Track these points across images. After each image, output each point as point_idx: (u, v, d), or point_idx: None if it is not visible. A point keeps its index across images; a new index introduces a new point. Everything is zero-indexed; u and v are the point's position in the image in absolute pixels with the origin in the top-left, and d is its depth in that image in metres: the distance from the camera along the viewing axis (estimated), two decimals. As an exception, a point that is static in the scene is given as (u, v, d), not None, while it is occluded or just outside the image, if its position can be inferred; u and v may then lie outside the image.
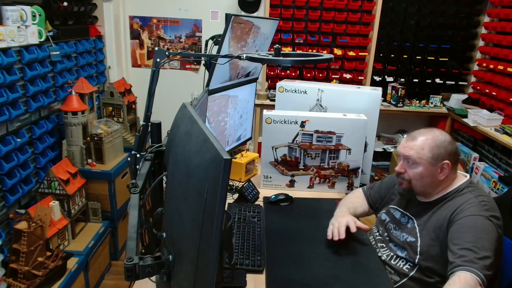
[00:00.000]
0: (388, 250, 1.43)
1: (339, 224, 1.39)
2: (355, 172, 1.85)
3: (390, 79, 3.60)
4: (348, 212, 1.50)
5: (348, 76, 3.50)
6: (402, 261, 1.37)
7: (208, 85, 1.62)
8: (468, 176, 1.40)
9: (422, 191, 1.37)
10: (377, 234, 1.52)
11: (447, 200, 1.34)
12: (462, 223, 1.22)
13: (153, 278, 1.05)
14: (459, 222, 1.23)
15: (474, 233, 1.17)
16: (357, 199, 1.65)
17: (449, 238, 1.23)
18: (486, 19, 3.45)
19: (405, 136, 1.42)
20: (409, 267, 1.34)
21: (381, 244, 1.47)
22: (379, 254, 1.43)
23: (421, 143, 1.32)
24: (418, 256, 1.32)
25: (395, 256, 1.40)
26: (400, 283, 1.34)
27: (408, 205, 1.45)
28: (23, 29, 2.03)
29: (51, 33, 2.29)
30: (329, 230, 1.41)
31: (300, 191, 1.87)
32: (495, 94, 3.11)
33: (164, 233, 0.88)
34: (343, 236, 1.36)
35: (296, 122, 1.77)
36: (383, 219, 1.52)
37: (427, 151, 1.30)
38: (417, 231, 1.35)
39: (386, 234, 1.48)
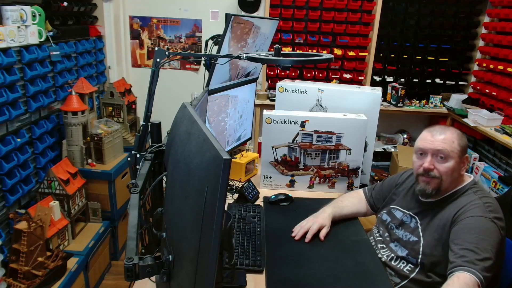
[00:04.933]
0: (388, 251, 1.43)
1: (311, 230, 1.42)
2: (355, 172, 1.85)
3: (390, 79, 3.60)
4: (331, 215, 1.50)
5: (348, 76, 3.50)
6: (403, 262, 1.36)
7: (208, 85, 1.62)
8: (472, 176, 1.40)
9: (446, 188, 1.34)
10: (378, 234, 1.52)
11: (451, 200, 1.33)
12: (465, 224, 1.22)
13: (153, 278, 1.05)
14: (462, 222, 1.23)
15: (476, 234, 1.17)
16: (351, 199, 1.64)
17: (451, 238, 1.22)
18: (486, 19, 3.45)
19: (425, 133, 1.37)
20: (410, 268, 1.34)
21: (381, 245, 1.47)
22: (379, 255, 1.42)
23: (450, 136, 1.31)
24: (420, 256, 1.31)
25: (395, 257, 1.39)
26: (400, 285, 1.34)
27: (411, 205, 1.44)
28: (23, 29, 2.03)
29: (51, 33, 2.29)
30: (299, 227, 1.45)
31: (300, 191, 1.87)
32: (495, 94, 3.11)
33: (164, 233, 0.88)
34: (307, 240, 1.40)
35: (296, 122, 1.77)
36: (384, 219, 1.51)
37: (457, 144, 1.30)
38: (420, 230, 1.35)
39: (387, 234, 1.47)
